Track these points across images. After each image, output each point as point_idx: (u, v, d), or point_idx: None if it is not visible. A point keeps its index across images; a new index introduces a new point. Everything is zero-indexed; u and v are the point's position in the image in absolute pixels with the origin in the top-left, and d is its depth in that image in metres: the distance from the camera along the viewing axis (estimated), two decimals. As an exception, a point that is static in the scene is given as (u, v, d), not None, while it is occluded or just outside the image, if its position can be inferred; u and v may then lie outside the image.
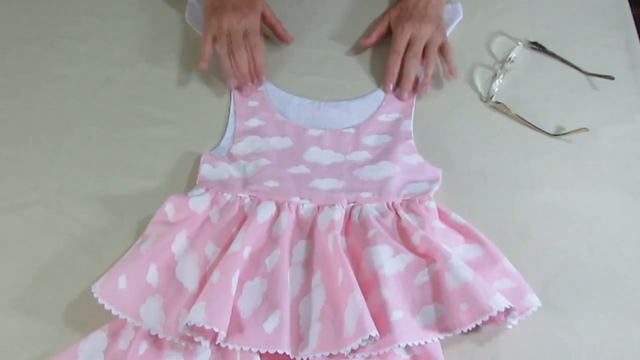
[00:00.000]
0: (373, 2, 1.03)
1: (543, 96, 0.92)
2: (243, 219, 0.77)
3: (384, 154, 0.83)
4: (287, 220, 0.76)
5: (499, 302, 0.67)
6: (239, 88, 0.90)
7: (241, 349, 0.67)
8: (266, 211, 0.77)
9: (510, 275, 0.73)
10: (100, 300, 0.68)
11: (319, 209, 0.78)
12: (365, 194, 0.79)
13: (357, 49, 0.97)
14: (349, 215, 0.78)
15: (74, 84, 0.92)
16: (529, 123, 0.89)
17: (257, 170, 0.81)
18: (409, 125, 0.87)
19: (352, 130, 0.86)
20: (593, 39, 0.98)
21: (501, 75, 0.93)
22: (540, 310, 0.71)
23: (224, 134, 0.86)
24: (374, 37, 0.95)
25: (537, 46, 0.97)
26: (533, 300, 0.71)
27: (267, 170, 0.81)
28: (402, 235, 0.75)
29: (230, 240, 0.74)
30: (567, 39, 0.98)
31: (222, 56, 0.89)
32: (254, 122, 0.87)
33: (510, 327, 0.70)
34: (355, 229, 0.76)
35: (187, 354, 0.68)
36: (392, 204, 0.78)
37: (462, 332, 0.68)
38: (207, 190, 0.79)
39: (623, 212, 0.81)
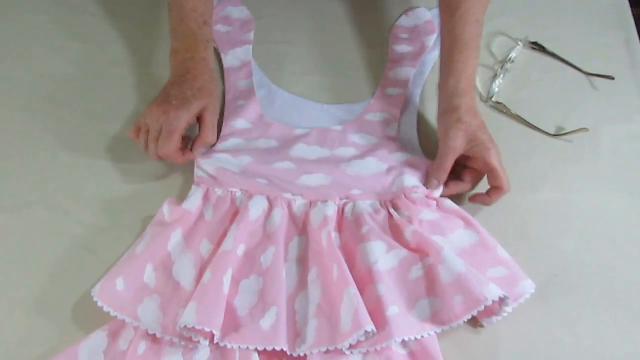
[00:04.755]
0: (373, 2, 1.03)
1: (543, 96, 0.92)
2: (235, 213, 0.77)
3: (370, 152, 0.83)
4: (280, 217, 0.76)
5: (493, 292, 0.67)
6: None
7: (239, 347, 0.67)
8: (258, 207, 0.77)
9: (503, 263, 0.73)
10: (99, 303, 0.68)
11: (311, 204, 0.78)
12: (355, 191, 0.79)
13: (357, 49, 0.97)
14: (341, 212, 0.78)
15: (74, 84, 0.92)
16: (529, 123, 0.89)
17: (241, 167, 0.80)
18: (395, 127, 0.86)
19: (339, 127, 0.86)
20: (593, 39, 0.98)
21: (501, 75, 0.93)
22: (540, 310, 0.71)
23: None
24: (444, 183, 0.81)
25: (537, 46, 0.97)
26: (526, 286, 0.72)
27: (251, 167, 0.80)
28: (395, 231, 0.75)
29: (224, 236, 0.74)
30: (567, 39, 0.98)
31: (142, 144, 0.81)
32: (240, 123, 0.86)
33: (505, 314, 0.70)
34: (349, 225, 0.76)
35: (186, 352, 0.68)
36: (384, 202, 0.78)
37: (457, 324, 0.68)
38: (198, 185, 0.79)
39: (623, 212, 0.81)
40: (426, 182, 0.79)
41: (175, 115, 0.78)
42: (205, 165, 0.80)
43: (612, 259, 0.77)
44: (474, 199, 0.81)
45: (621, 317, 0.73)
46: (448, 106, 0.80)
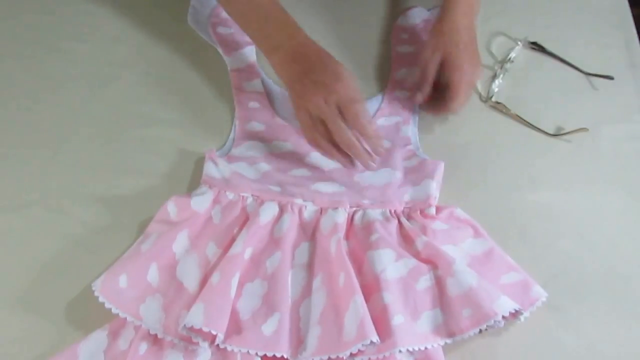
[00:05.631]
0: (373, 2, 1.03)
1: (543, 96, 0.92)
2: (245, 220, 0.76)
3: (384, 160, 0.82)
4: (289, 222, 0.76)
5: (504, 306, 0.67)
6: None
7: (240, 350, 0.67)
8: (269, 212, 0.76)
9: (515, 269, 0.73)
10: (100, 299, 0.68)
11: (322, 211, 0.78)
12: (366, 201, 0.78)
13: (361, 49, 0.97)
14: (351, 220, 0.77)
15: (74, 84, 0.92)
16: (529, 123, 0.89)
17: (258, 175, 0.81)
18: (407, 130, 0.86)
19: None
20: (593, 39, 0.98)
21: (501, 75, 0.93)
22: (540, 310, 0.71)
23: (229, 134, 0.86)
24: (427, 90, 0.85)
25: (537, 46, 0.97)
26: (540, 292, 0.72)
27: (268, 175, 0.81)
28: (406, 241, 0.75)
29: (232, 241, 0.74)
30: (567, 39, 0.98)
31: (326, 149, 0.78)
32: (253, 126, 0.86)
33: (523, 319, 0.70)
34: (358, 233, 0.76)
35: (188, 354, 0.67)
36: (395, 211, 0.78)
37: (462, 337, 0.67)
38: (209, 188, 0.79)
39: (623, 212, 0.81)
40: (411, 96, 0.82)
41: (343, 85, 0.75)
42: (222, 165, 0.80)
43: (612, 258, 0.77)
44: (423, 108, 0.84)
45: (621, 316, 0.73)
46: (441, 18, 0.84)
